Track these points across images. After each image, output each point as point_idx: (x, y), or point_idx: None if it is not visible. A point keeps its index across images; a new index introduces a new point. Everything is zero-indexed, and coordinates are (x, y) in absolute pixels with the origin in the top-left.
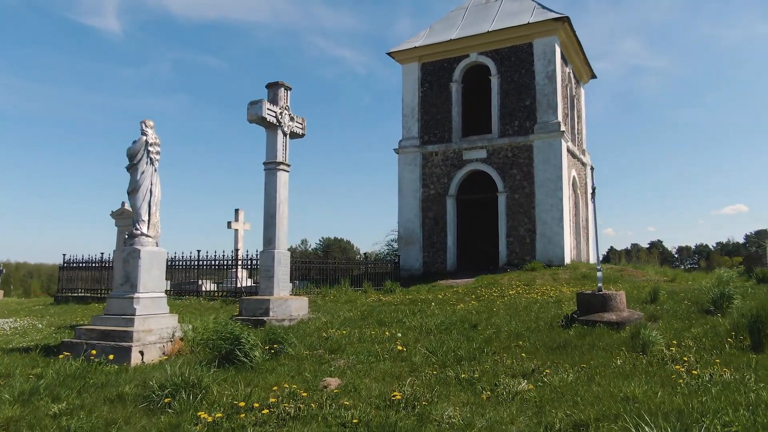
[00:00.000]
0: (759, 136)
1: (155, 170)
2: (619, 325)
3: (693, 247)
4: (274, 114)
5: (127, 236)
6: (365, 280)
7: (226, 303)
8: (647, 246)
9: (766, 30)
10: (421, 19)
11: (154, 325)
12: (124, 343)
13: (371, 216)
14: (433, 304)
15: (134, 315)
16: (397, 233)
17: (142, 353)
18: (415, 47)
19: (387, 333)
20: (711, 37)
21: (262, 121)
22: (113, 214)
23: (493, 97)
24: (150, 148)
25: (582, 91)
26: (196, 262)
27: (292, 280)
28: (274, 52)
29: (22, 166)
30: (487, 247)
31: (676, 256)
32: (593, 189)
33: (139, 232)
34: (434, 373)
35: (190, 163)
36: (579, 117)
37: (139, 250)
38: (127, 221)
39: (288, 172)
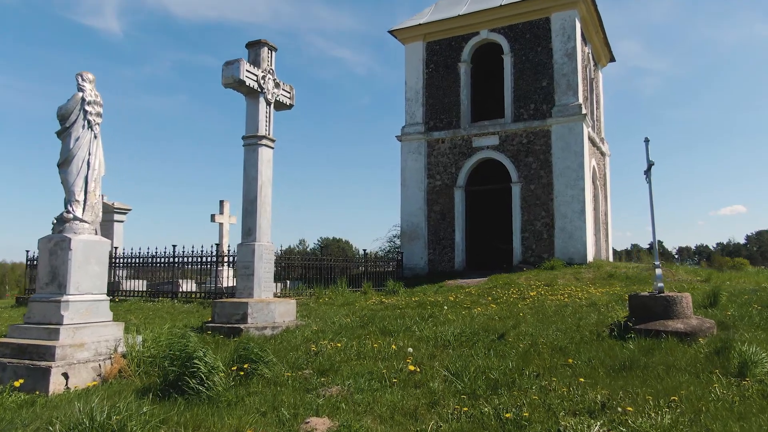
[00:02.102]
0: (757, 137)
1: (95, 136)
2: (689, 336)
3: (693, 247)
4: (254, 77)
5: (54, 221)
6: (365, 280)
7: (204, 306)
8: (647, 246)
9: (764, 31)
10: None
11: (89, 338)
12: (42, 363)
13: (371, 217)
14: (445, 307)
15: (61, 324)
16: (399, 228)
17: (66, 376)
18: (420, 24)
19: (393, 346)
20: (710, 39)
21: (239, 86)
22: None
23: (506, 78)
24: (88, 108)
25: (600, 75)
26: (171, 259)
27: (282, 279)
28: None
29: (22, 165)
30: (497, 243)
31: (677, 256)
32: (650, 164)
33: (71, 215)
34: (464, 409)
35: (189, 161)
36: (597, 102)
37: (70, 240)
38: (107, 215)
39: (272, 148)
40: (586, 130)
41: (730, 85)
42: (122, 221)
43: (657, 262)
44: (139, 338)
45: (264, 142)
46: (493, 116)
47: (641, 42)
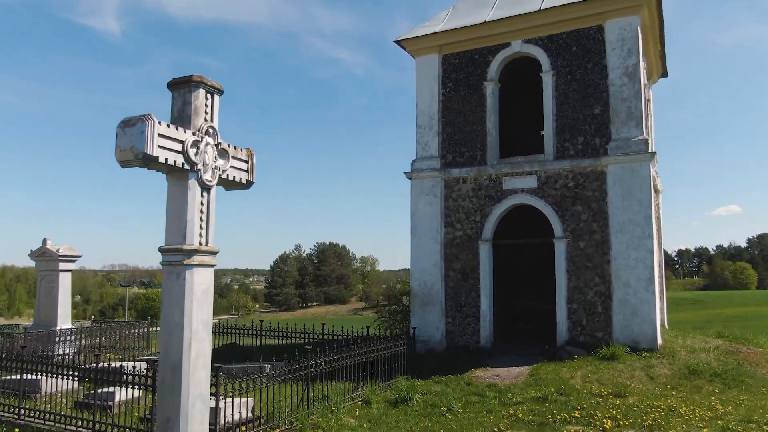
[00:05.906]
0: (753, 137)
1: None
2: None
3: (692, 249)
4: (178, 146)
5: None
6: (366, 378)
7: None
8: None
9: (761, 32)
10: (419, 20)
11: None
12: None
13: (369, 217)
14: None
15: None
16: (404, 282)
17: None
18: (435, 33)
19: None
20: (707, 40)
21: (150, 164)
22: (32, 255)
23: (546, 102)
24: None
25: (651, 93)
26: (102, 376)
27: (261, 360)
28: (273, 53)
29: (22, 166)
30: (531, 303)
31: (677, 259)
32: None
33: None
34: None
35: None
36: (649, 128)
37: None
38: (51, 264)
39: (212, 266)
40: (653, 172)
41: (729, 86)
42: (69, 270)
43: None
44: None
45: (197, 259)
46: (530, 151)
47: None
